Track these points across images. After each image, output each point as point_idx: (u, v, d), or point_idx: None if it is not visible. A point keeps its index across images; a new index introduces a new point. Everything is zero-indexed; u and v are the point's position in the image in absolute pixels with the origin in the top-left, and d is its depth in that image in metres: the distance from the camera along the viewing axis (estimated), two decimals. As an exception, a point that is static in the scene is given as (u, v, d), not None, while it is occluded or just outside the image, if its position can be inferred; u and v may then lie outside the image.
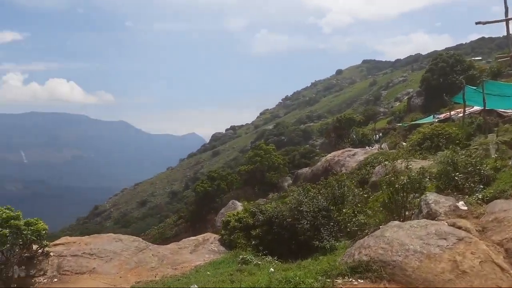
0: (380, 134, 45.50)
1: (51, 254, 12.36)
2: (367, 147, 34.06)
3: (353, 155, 27.65)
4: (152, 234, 51.29)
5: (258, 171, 42.01)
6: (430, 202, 9.93)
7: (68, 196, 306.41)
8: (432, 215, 9.47)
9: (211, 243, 14.65)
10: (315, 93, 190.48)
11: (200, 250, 14.05)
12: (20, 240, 11.45)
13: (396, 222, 8.82)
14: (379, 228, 8.79)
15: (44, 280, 11.56)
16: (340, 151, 29.80)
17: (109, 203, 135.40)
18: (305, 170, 36.50)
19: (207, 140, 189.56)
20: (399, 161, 15.38)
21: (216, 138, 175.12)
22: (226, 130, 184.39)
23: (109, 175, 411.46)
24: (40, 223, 12.15)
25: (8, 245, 11.24)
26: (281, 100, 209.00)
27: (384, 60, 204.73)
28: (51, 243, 12.97)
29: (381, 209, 11.57)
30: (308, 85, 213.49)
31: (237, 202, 24.55)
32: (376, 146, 34.13)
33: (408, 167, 12.55)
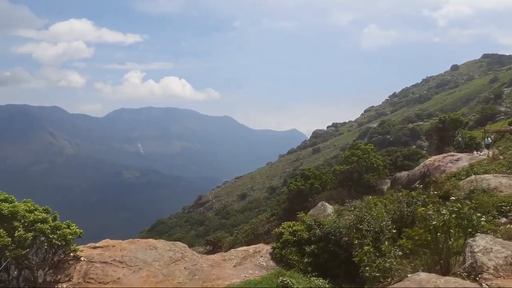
0: (492, 137, 39.33)
1: (82, 259, 12.06)
2: (474, 152, 30.39)
3: (456, 160, 24.53)
4: (245, 229, 51.30)
5: (355, 171, 39.08)
6: (476, 250, 7.30)
7: (177, 184, 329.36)
8: (476, 269, 6.90)
9: (261, 256, 13.30)
10: (426, 89, 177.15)
11: (246, 264, 12.81)
12: (46, 244, 11.12)
13: (423, 275, 6.67)
14: (403, 279, 6.84)
15: (68, 287, 11.30)
16: (441, 156, 26.90)
17: (212, 194, 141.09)
18: (403, 174, 33.18)
19: (308, 137, 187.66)
20: (489, 176, 12.24)
21: (317, 135, 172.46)
22: (328, 127, 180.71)
23: (213, 167, 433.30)
24: (72, 226, 11.86)
25: (32, 249, 10.99)
26: (388, 97, 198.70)
27: (508, 54, 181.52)
28: (92, 245, 12.86)
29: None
30: (419, 82, 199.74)
31: (327, 204, 22.50)
32: (486, 151, 29.60)
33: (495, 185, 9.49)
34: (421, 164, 28.80)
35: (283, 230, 13.49)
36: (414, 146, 77.08)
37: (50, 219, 11.49)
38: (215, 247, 35.13)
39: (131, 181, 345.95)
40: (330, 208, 21.75)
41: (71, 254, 11.86)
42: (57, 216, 12.09)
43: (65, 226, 11.82)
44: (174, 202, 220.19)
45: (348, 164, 41.14)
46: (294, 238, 12.93)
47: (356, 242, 9.28)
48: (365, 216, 11.39)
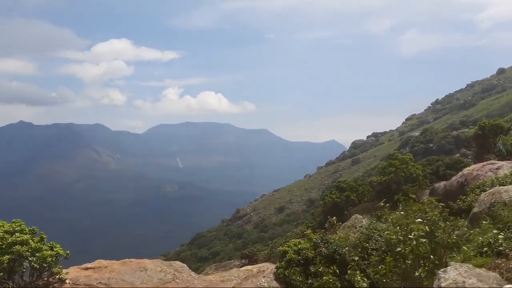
0: None
1: (67, 281, 11.63)
2: None
3: (496, 169, 22.37)
4: (280, 243, 50.06)
5: (393, 182, 37.12)
6: (443, 285, 6.02)
7: (215, 198, 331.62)
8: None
9: (264, 276, 12.37)
10: (471, 95, 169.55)
11: (246, 285, 11.89)
12: (25, 268, 10.81)
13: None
14: None
15: None
16: (480, 164, 24.58)
17: (250, 208, 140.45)
18: (440, 184, 31.02)
19: (347, 148, 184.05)
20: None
21: (356, 145, 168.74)
22: (368, 137, 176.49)
23: (250, 180, 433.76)
24: (56, 247, 11.47)
25: (15, 273, 10.68)
26: (431, 104, 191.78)
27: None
28: (85, 266, 12.59)
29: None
30: (463, 87, 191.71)
31: (360, 217, 21.03)
32: None
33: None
34: (459, 174, 26.67)
35: (287, 249, 12.73)
36: (458, 155, 73.54)
37: (31, 240, 11.02)
38: (250, 261, 34.14)
39: (170, 195, 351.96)
40: (363, 222, 20.52)
41: (57, 277, 11.37)
42: (44, 237, 11.63)
43: (47, 248, 11.30)
44: (212, 215, 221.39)
45: (385, 175, 39.42)
46: (299, 257, 12.16)
47: (323, 269, 8.58)
48: (372, 234, 10.53)
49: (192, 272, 13.24)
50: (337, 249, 11.46)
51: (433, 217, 7.53)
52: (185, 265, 13.53)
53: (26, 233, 11.19)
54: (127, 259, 13.45)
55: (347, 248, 10.68)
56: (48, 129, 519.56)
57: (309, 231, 13.40)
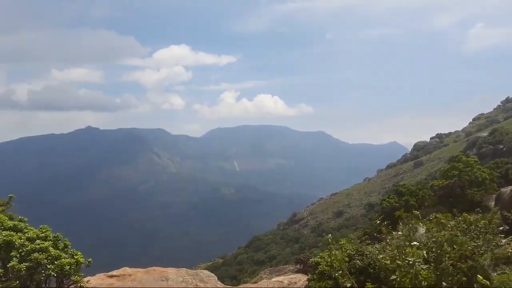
0: None
1: None
2: None
3: None
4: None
5: (456, 187, 34.15)
6: None
7: (272, 201, 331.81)
8: None
9: None
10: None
11: None
12: (43, 276, 10.53)
13: None
14: None
15: None
16: None
17: (307, 211, 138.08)
18: (507, 189, 27.37)
19: (410, 150, 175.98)
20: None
21: (418, 147, 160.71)
22: (431, 138, 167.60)
23: (307, 183, 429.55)
24: (77, 255, 11.22)
25: (32, 281, 10.43)
26: (501, 102, 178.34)
27: None
28: (110, 273, 12.39)
29: None
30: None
31: (418, 225, 18.49)
32: None
33: None
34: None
35: (320, 260, 12.13)
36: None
37: (51, 248, 10.67)
38: (305, 266, 32.75)
39: (227, 198, 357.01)
40: (422, 229, 18.12)
41: (79, 285, 11.09)
42: (68, 244, 11.30)
43: (66, 256, 10.92)
44: (269, 218, 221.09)
45: (448, 179, 36.48)
46: (331, 269, 10.86)
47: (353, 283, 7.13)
48: (406, 243, 8.73)
49: (219, 282, 12.73)
50: (371, 262, 10.68)
51: (441, 237, 6.43)
52: (213, 275, 13.14)
53: (50, 240, 10.98)
54: (151, 268, 13.40)
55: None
56: (113, 134, 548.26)
57: (344, 241, 12.07)
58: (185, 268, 13.66)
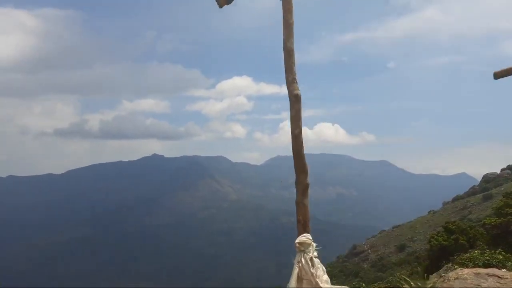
0: None
1: None
2: None
3: None
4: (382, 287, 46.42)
5: None
6: None
7: (332, 232, 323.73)
8: None
9: None
10: None
11: None
12: None
13: None
14: None
15: None
16: None
17: (367, 244, 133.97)
18: None
19: (479, 181, 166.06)
20: None
21: (488, 179, 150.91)
22: (502, 169, 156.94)
23: (369, 214, 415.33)
24: None
25: None
26: None
27: None
28: None
29: None
30: None
31: (459, 268, 17.45)
32: None
33: None
34: None
35: None
36: None
37: None
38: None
39: (287, 226, 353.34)
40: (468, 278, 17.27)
41: None
42: None
43: None
44: (329, 250, 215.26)
45: (501, 217, 34.29)
46: None
47: None
48: None
49: None
50: None
51: None
52: None
53: None
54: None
55: None
56: (177, 161, 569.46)
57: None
58: None
